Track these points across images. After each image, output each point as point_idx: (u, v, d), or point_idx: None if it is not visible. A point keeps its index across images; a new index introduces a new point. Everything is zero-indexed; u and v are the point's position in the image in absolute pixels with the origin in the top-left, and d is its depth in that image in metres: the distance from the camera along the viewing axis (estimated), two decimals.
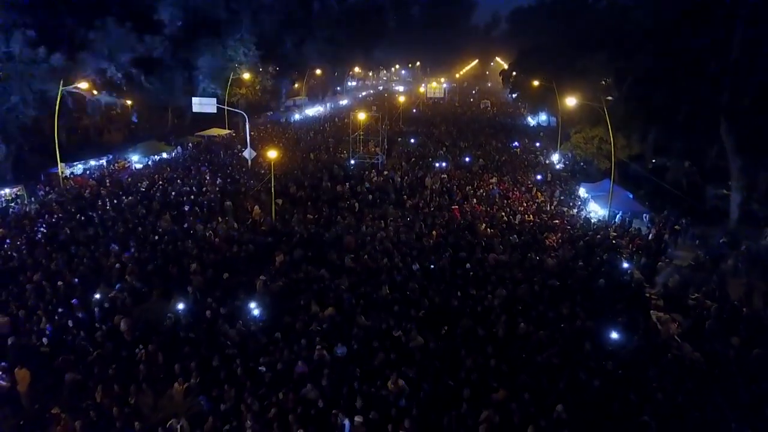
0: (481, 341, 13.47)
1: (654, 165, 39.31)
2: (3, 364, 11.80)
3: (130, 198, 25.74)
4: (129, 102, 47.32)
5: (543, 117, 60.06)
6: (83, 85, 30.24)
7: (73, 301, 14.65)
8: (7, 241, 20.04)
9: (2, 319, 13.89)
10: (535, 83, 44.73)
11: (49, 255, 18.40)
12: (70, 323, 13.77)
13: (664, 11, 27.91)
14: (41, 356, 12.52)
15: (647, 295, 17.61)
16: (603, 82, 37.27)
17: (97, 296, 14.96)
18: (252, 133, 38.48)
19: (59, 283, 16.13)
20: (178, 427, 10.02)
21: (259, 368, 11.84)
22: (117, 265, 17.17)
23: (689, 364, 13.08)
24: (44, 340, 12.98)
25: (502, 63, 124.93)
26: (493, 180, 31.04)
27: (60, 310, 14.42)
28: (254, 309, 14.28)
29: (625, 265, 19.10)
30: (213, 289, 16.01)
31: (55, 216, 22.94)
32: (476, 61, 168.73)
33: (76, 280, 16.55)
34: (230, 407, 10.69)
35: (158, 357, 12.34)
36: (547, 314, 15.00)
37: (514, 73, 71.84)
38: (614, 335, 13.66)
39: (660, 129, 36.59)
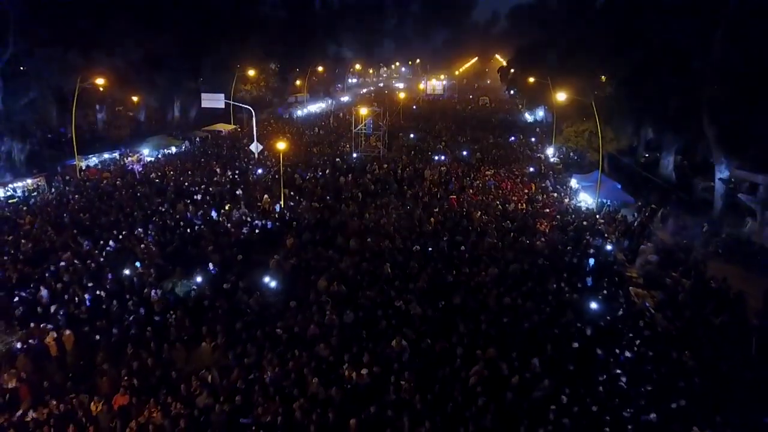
0: (474, 311, 14.97)
1: (646, 159, 40.87)
2: (51, 326, 13.31)
3: (145, 188, 27.25)
4: (135, 98, 48.83)
5: (540, 113, 61.49)
6: (100, 81, 31.56)
7: (109, 275, 16.15)
8: (35, 225, 21.55)
9: (42, 291, 15.42)
10: (531, 80, 46.15)
11: (75, 238, 19.93)
12: (102, 294, 15.31)
13: (652, 10, 29.32)
14: (81, 322, 14.01)
15: (628, 273, 19.14)
16: (602, 79, 38.77)
17: (127, 272, 16.49)
18: (256, 128, 39.89)
19: (88, 261, 17.71)
20: (209, 376, 11.55)
21: (276, 330, 13.36)
22: (142, 246, 18.68)
23: (660, 330, 14.62)
24: (82, 307, 14.50)
25: (501, 60, 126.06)
26: (489, 172, 32.52)
27: (91, 284, 15.98)
28: (270, 282, 15.79)
29: (609, 247, 20.62)
30: (230, 267, 17.54)
31: (77, 204, 24.44)
32: (476, 58, 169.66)
33: (102, 259, 18.12)
34: (253, 362, 12.23)
35: (186, 322, 13.87)
36: (535, 289, 16.51)
37: (512, 71, 73.23)
38: (594, 305, 15.17)
39: (651, 124, 38.17)
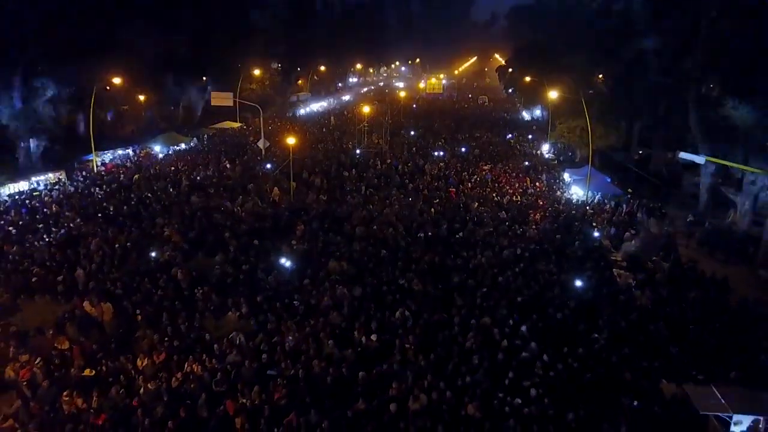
0: (470, 288, 16.58)
1: (639, 156, 42.52)
2: (92, 300, 14.92)
3: (160, 181, 28.85)
4: (142, 97, 50.24)
5: (537, 112, 63.11)
6: (116, 81, 33.11)
7: (137, 257, 17.81)
8: (62, 214, 23.16)
9: (79, 271, 17.05)
10: (527, 79, 47.73)
11: (101, 225, 21.56)
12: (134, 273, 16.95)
13: (640, 13, 30.91)
14: (117, 296, 15.61)
15: (613, 257, 20.79)
16: (598, 78, 40.36)
17: (153, 254, 18.11)
18: (263, 126, 41.47)
19: (116, 246, 19.33)
20: (237, 339, 13.18)
21: (294, 302, 15.00)
22: (165, 232, 20.29)
23: (638, 303, 16.26)
24: (118, 284, 16.12)
25: (500, 60, 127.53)
26: (487, 167, 34.14)
27: (122, 265, 17.65)
28: (285, 263, 17.42)
29: (596, 234, 22.26)
30: (247, 251, 19.14)
31: (99, 195, 26.06)
32: (475, 58, 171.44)
33: (129, 244, 19.73)
34: (274, 328, 13.84)
35: (212, 296, 15.49)
36: (526, 270, 18.13)
37: (510, 70, 74.79)
38: (579, 283, 16.78)
39: (642, 121, 39.79)
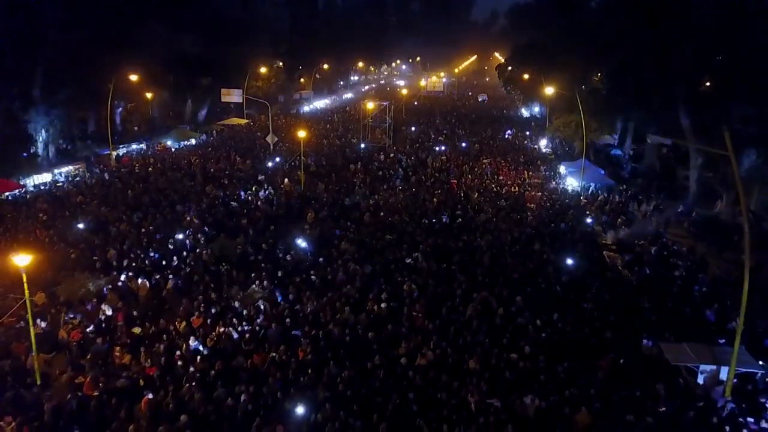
0: (471, 267, 18.11)
1: (635, 151, 44.02)
2: (130, 274, 16.50)
3: (176, 173, 30.38)
4: (150, 95, 51.67)
5: (536, 109, 64.57)
6: (133, 78, 34.60)
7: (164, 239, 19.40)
8: (86, 203, 24.72)
9: (111, 252, 18.59)
10: (526, 76, 49.17)
11: (126, 212, 23.11)
12: (156, 255, 18.50)
13: (633, 14, 32.37)
14: (149, 273, 17.14)
15: (604, 241, 22.34)
16: (597, 75, 41.79)
17: (180, 236, 19.66)
18: (267, 122, 43.01)
19: (142, 230, 20.88)
20: (262, 306, 14.72)
21: (311, 277, 16.56)
22: (187, 218, 21.85)
23: (623, 280, 17.82)
24: (147, 262, 17.69)
25: (500, 58, 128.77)
26: (486, 161, 35.66)
27: (151, 246, 19.21)
28: (301, 244, 18.98)
29: (589, 220, 23.81)
30: (263, 234, 20.68)
31: (118, 185, 27.61)
32: (475, 56, 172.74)
33: (151, 228, 21.26)
34: (294, 298, 15.40)
35: (234, 272, 17.04)
36: (522, 251, 19.67)
37: (509, 68, 76.08)
38: (570, 262, 18.33)
39: (635, 117, 41.24)
